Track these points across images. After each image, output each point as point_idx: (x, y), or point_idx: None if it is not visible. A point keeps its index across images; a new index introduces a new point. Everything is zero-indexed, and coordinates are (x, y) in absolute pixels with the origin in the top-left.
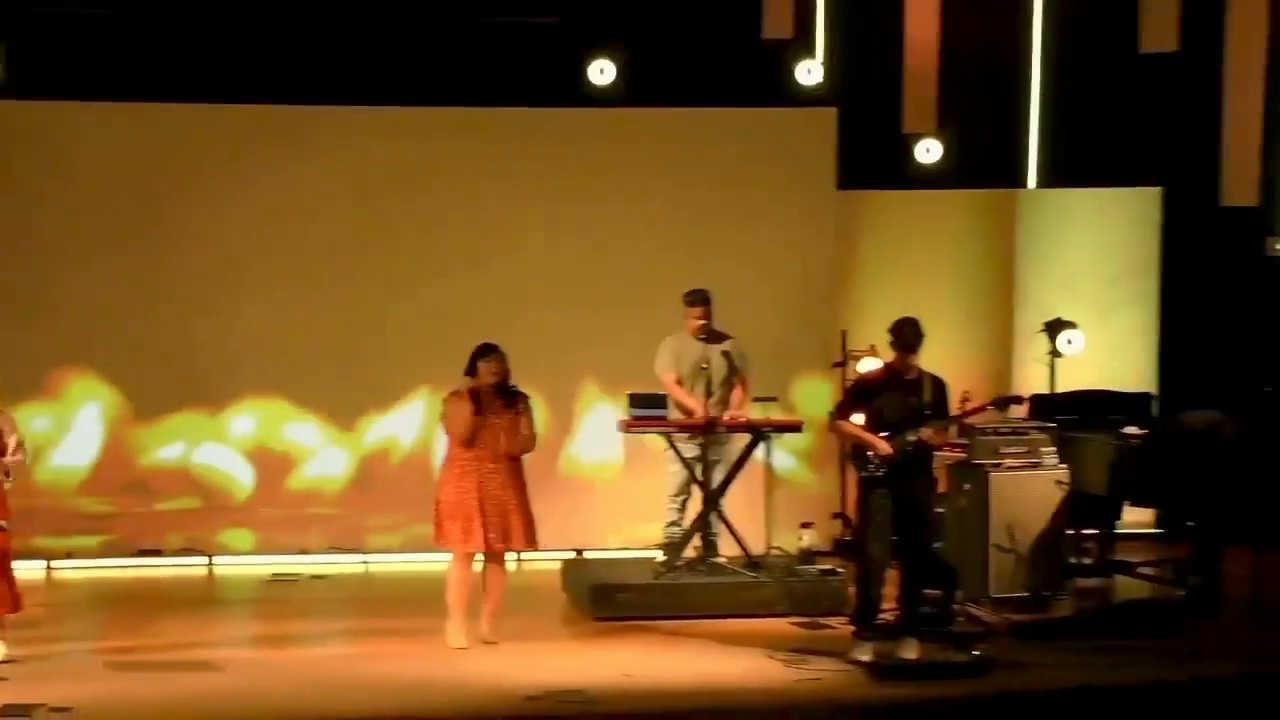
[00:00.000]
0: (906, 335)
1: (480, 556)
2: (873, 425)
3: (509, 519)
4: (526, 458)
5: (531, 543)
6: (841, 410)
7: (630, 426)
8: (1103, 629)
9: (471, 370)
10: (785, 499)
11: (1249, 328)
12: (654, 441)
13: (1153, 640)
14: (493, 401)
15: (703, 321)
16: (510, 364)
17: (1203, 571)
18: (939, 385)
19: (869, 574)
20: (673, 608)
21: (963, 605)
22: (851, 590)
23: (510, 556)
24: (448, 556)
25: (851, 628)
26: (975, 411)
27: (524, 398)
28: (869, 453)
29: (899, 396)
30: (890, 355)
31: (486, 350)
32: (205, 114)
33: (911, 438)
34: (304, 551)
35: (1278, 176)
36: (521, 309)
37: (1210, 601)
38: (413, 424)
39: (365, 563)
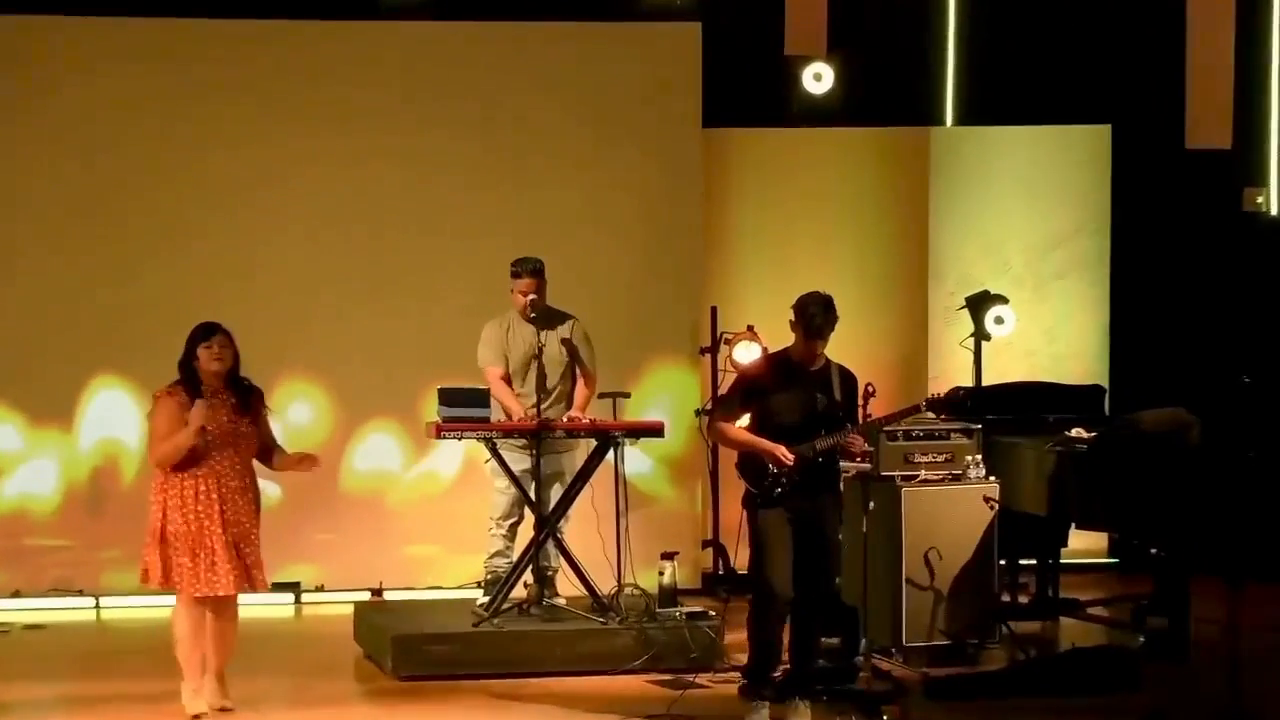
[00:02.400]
0: (814, 317)
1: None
2: (761, 429)
3: (252, 552)
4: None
5: (264, 582)
6: (724, 409)
7: (441, 431)
8: (1043, 685)
9: (189, 359)
10: (642, 523)
11: (1223, 301)
12: (475, 451)
13: (1106, 698)
14: (222, 400)
15: (534, 298)
16: (272, 349)
17: (1167, 611)
18: (849, 380)
19: (768, 616)
20: (499, 663)
21: (867, 657)
22: (730, 640)
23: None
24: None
25: (743, 683)
26: (906, 414)
27: (258, 394)
28: (769, 465)
29: (800, 393)
30: (779, 340)
31: (208, 331)
32: None
33: (822, 444)
34: (17, 594)
35: (1257, 112)
36: (294, 277)
37: (1176, 648)
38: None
39: (96, 607)
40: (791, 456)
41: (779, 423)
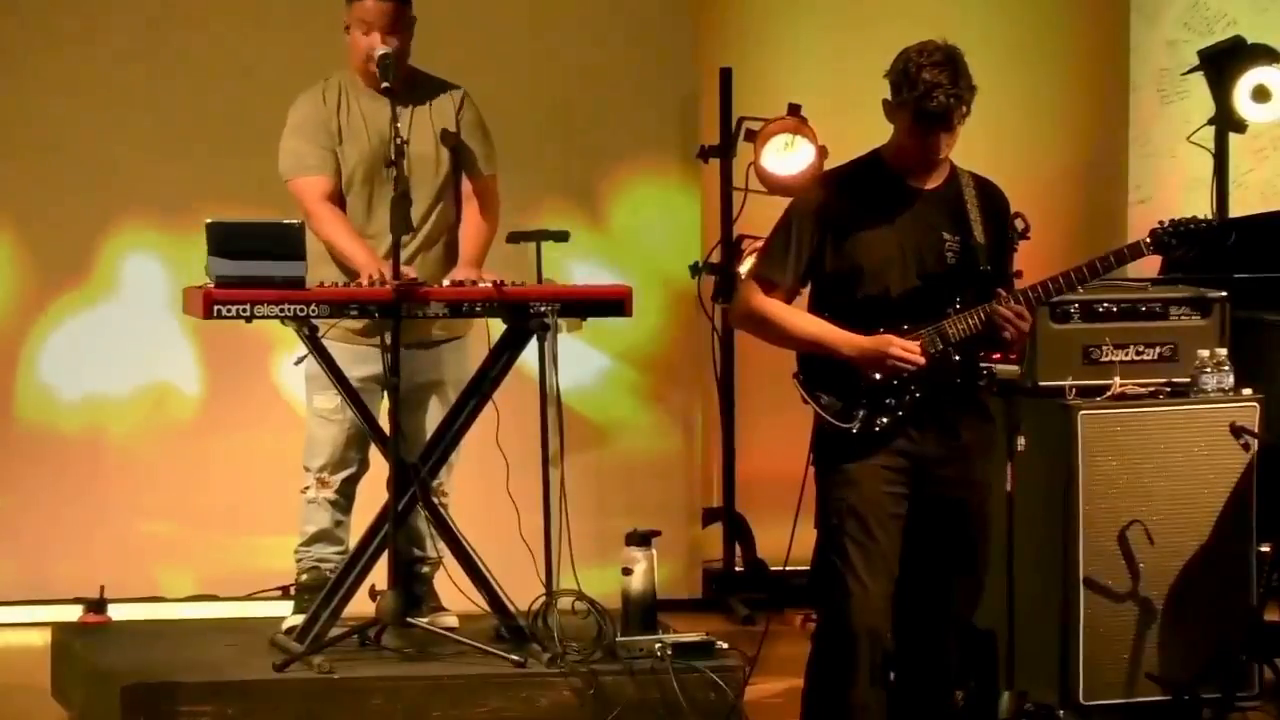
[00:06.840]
0: (933, 89)
1: None
2: (832, 308)
3: None
4: None
5: None
6: (769, 271)
7: (213, 304)
8: None
9: None
10: (594, 479)
11: None
12: (279, 339)
13: None
14: None
15: (388, 52)
16: None
17: None
18: (997, 204)
19: (850, 673)
20: None
21: (1022, 714)
22: (758, 693)
23: None
24: None
25: None
26: (1112, 262)
27: None
28: (863, 374)
29: (912, 234)
30: (842, 135)
31: None
32: None
33: (959, 328)
34: None
35: None
36: None
37: None
38: None
39: None
40: (917, 352)
41: (871, 292)
